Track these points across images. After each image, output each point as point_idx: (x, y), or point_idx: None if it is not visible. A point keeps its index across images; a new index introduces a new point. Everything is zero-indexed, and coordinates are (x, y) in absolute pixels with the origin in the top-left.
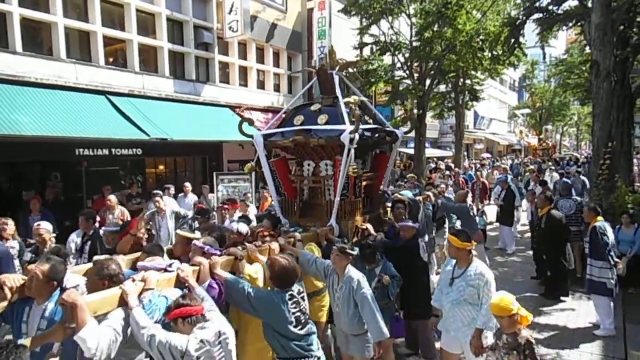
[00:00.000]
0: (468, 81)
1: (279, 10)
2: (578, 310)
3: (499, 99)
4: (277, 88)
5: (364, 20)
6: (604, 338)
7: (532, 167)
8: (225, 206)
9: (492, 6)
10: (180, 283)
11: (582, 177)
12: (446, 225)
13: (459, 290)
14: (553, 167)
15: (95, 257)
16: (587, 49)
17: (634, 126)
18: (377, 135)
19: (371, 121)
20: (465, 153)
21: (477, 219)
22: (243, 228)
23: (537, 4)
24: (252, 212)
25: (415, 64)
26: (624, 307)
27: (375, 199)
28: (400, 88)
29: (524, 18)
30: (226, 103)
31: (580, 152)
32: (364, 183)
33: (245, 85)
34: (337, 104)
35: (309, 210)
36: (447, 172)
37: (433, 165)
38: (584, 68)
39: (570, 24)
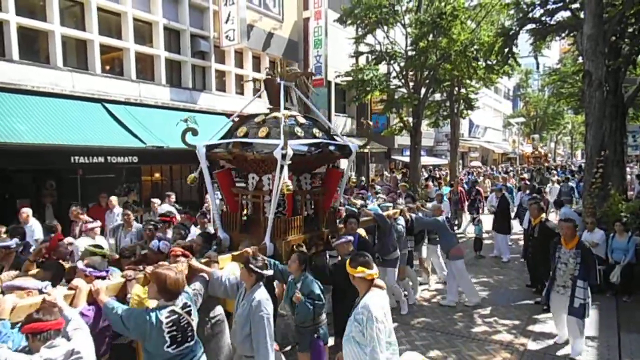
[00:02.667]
0: (463, 90)
1: (276, 19)
2: None
3: (494, 108)
4: None
5: (359, 29)
6: (598, 346)
7: (525, 175)
8: (151, 224)
9: (486, 17)
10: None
11: None
12: (426, 239)
13: (349, 324)
14: (554, 179)
15: None
16: (580, 59)
17: (627, 135)
18: (319, 150)
19: (320, 134)
20: (461, 161)
21: (474, 227)
22: (163, 246)
23: (531, 15)
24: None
25: (411, 73)
26: (618, 315)
27: (323, 216)
28: (396, 97)
29: (518, 29)
30: (222, 111)
31: (573, 161)
32: (306, 200)
33: (242, 93)
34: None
35: (251, 226)
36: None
37: (427, 174)
38: (577, 78)
39: (563, 35)
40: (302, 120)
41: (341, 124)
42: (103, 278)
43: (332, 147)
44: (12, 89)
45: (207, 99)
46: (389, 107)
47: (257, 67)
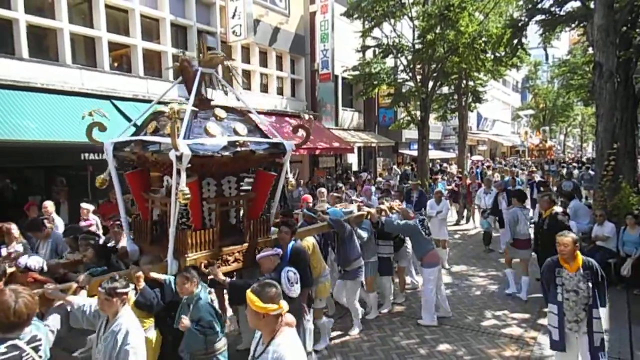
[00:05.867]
0: (471, 83)
1: (282, 14)
2: None
3: (502, 100)
4: (280, 91)
5: (366, 23)
6: (610, 339)
7: (534, 168)
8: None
9: (495, 8)
10: None
11: None
12: (408, 245)
13: None
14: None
15: None
16: (590, 50)
17: (638, 126)
18: (235, 151)
19: (245, 132)
20: (469, 154)
21: (482, 221)
22: (34, 262)
23: (540, 6)
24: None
25: (418, 66)
26: (629, 308)
27: (249, 226)
28: (403, 90)
29: (527, 20)
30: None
31: (582, 153)
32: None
33: (249, 88)
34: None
35: (163, 238)
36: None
37: (437, 168)
38: (587, 69)
39: (573, 25)
40: (222, 114)
41: (348, 118)
42: None
43: (255, 147)
44: (22, 86)
45: (214, 95)
46: (397, 101)
47: (263, 63)
